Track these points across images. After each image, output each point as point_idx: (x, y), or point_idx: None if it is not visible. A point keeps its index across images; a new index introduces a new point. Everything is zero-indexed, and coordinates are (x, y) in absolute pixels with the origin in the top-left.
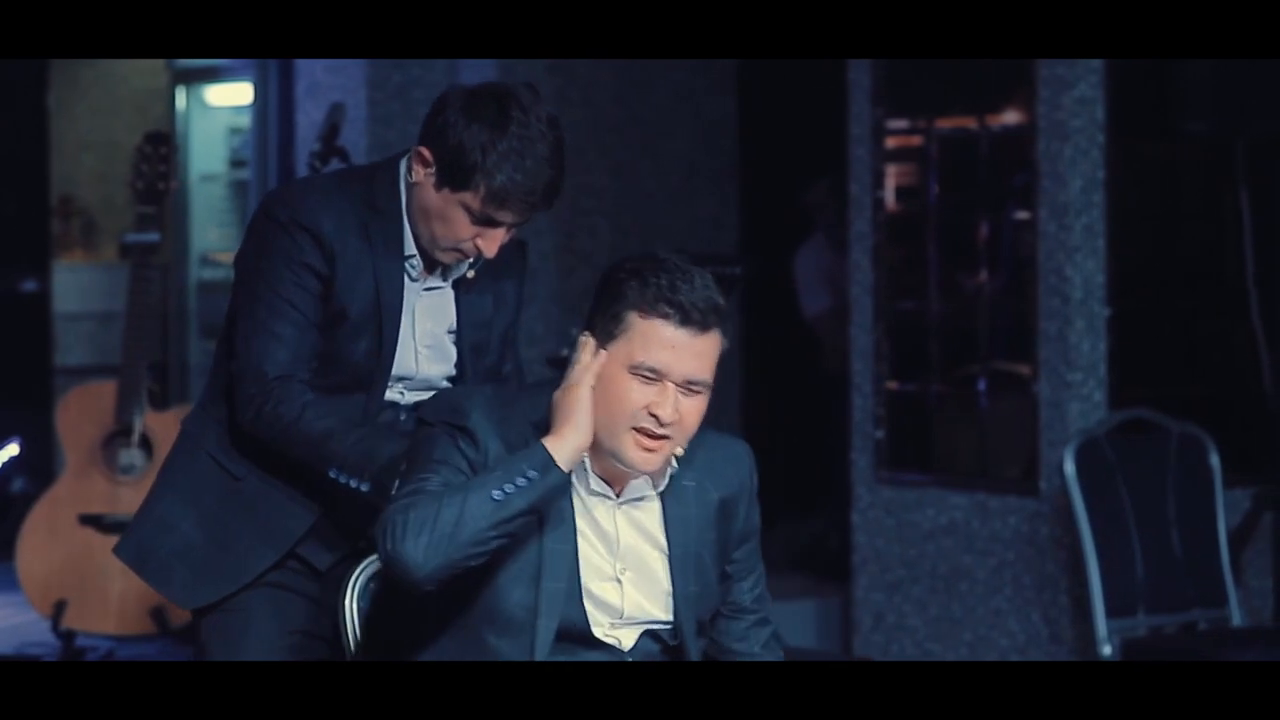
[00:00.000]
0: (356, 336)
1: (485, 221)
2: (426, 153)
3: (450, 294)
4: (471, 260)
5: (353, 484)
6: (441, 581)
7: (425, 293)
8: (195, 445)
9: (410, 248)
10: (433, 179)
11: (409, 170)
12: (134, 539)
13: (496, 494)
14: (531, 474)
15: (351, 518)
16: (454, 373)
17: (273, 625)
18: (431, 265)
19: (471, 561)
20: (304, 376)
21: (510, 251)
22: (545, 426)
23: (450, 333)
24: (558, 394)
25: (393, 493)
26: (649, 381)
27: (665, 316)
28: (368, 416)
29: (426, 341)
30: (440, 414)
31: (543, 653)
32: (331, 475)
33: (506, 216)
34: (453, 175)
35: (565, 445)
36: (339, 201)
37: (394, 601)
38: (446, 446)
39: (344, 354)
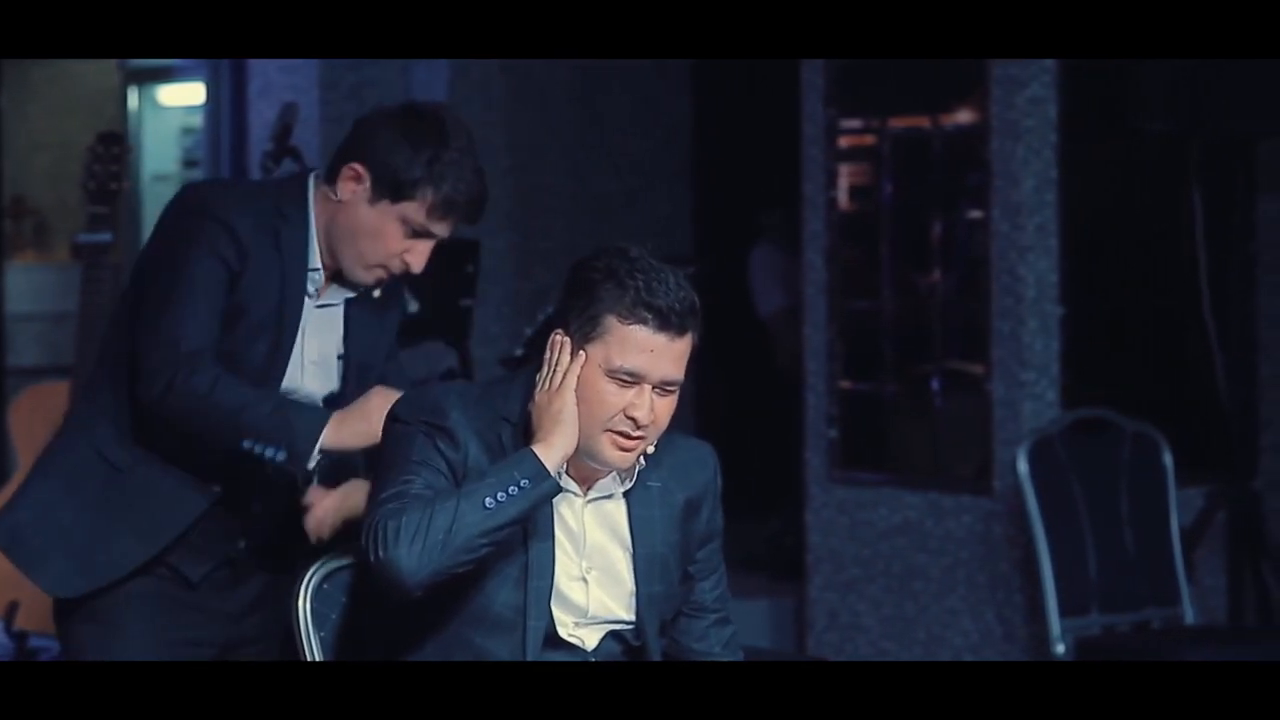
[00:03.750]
0: (253, 338)
1: (418, 234)
2: (360, 168)
3: (339, 315)
4: (384, 281)
5: (268, 454)
6: (429, 588)
7: (318, 310)
8: (78, 434)
9: (314, 261)
10: (365, 194)
11: (332, 189)
12: (9, 522)
13: (489, 502)
14: (524, 483)
15: (226, 523)
16: (336, 390)
17: (147, 632)
18: (335, 282)
19: (461, 568)
20: (212, 355)
21: (393, 285)
22: (516, 420)
23: (340, 356)
24: (540, 397)
25: (308, 472)
26: (626, 385)
27: (644, 322)
28: None
29: (313, 357)
30: (418, 413)
31: (534, 651)
32: (245, 447)
33: (443, 228)
34: (394, 187)
35: (555, 452)
36: (253, 204)
37: (370, 604)
38: (424, 447)
39: (240, 354)
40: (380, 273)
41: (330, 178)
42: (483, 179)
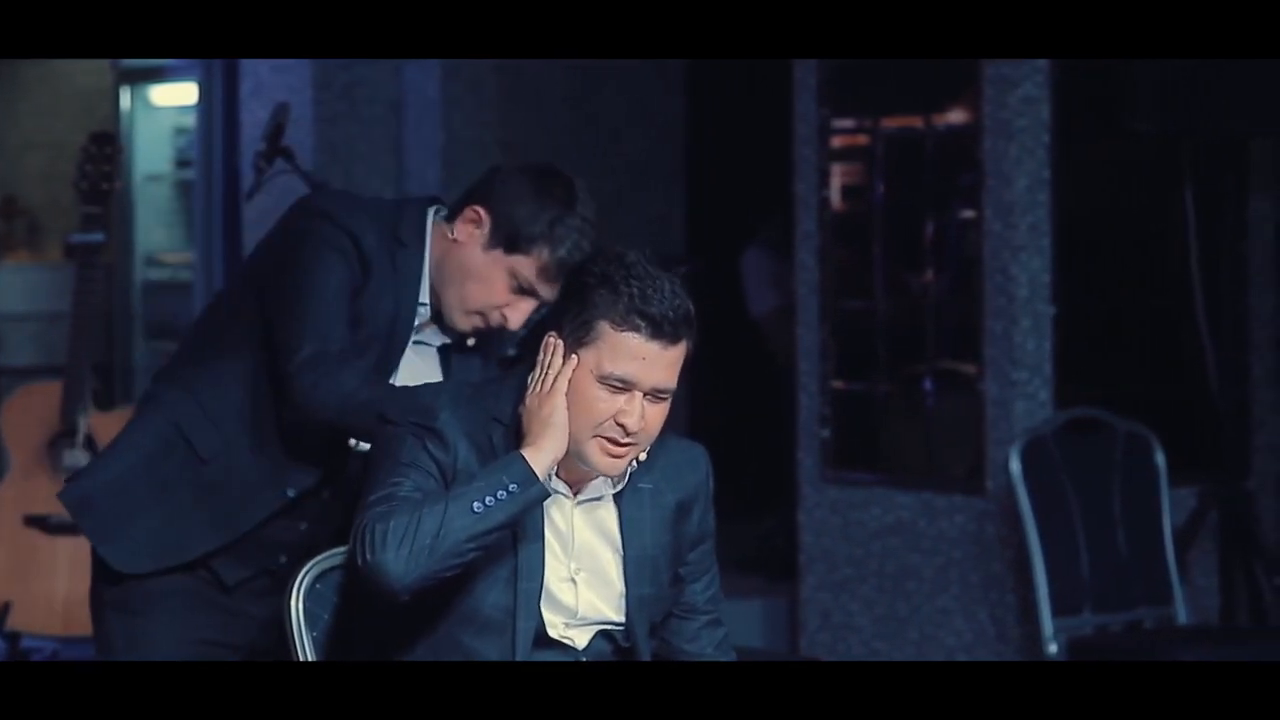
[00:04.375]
0: (363, 351)
1: (525, 291)
2: (482, 212)
3: (434, 355)
4: (480, 331)
5: None
6: (417, 591)
7: (414, 344)
8: (166, 415)
9: (424, 294)
10: (482, 239)
11: (450, 226)
12: (83, 488)
13: (477, 506)
14: (512, 487)
15: (273, 536)
16: None
17: (176, 629)
18: (435, 323)
19: (448, 572)
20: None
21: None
22: (508, 421)
23: None
24: (531, 400)
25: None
26: (617, 391)
27: (637, 329)
28: None
29: None
30: (407, 414)
31: (524, 652)
32: None
33: (549, 291)
34: (512, 239)
35: (544, 457)
36: (375, 222)
37: (360, 605)
38: (414, 448)
39: None
40: (478, 320)
41: (451, 216)
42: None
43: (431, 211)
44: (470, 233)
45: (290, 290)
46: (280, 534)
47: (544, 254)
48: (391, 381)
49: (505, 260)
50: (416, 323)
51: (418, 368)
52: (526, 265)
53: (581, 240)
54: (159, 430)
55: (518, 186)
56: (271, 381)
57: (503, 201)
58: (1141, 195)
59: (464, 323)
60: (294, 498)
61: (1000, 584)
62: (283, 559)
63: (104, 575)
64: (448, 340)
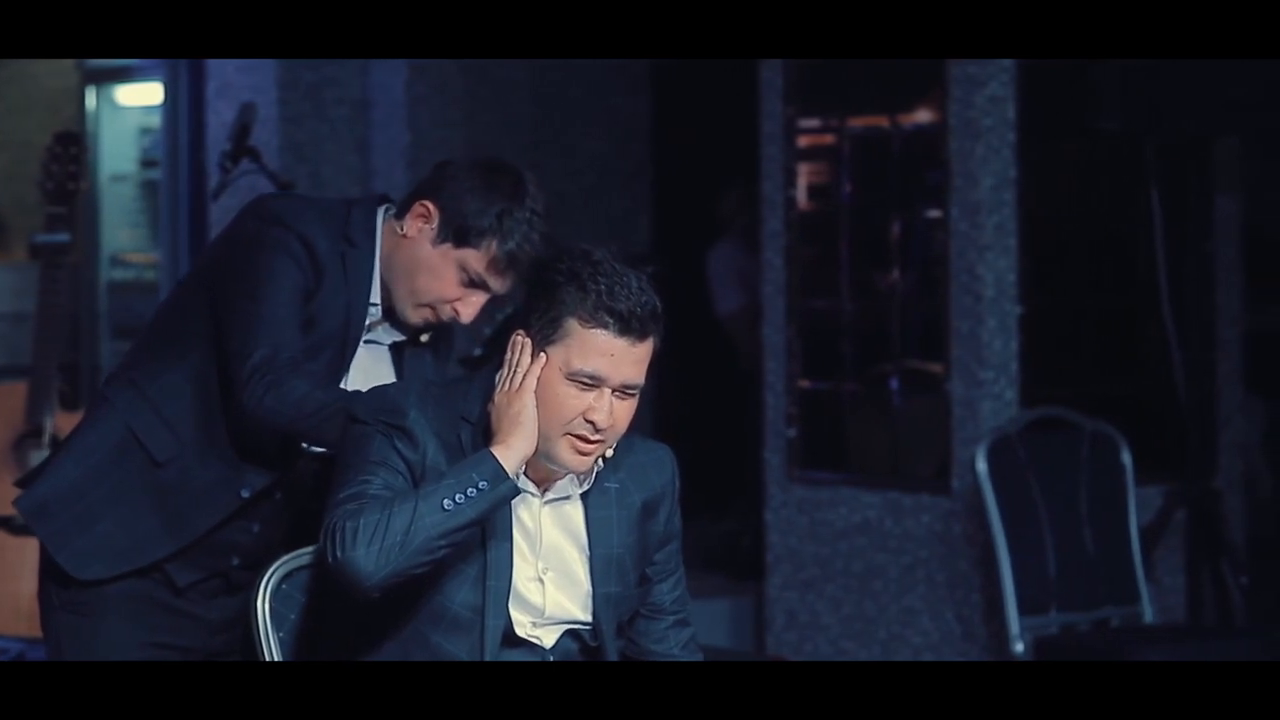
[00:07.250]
0: (314, 357)
1: (475, 284)
2: (431, 207)
3: (385, 354)
4: (431, 324)
5: None
6: (387, 589)
7: (364, 344)
8: (119, 417)
9: (375, 295)
10: (431, 234)
11: (400, 224)
12: (39, 495)
13: (447, 503)
14: (482, 484)
15: (225, 539)
16: None
17: (126, 631)
18: (387, 320)
19: (419, 570)
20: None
21: (444, 329)
22: (476, 420)
23: None
24: (500, 398)
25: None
26: (586, 388)
27: (605, 326)
28: None
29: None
30: (376, 412)
31: (492, 651)
32: None
33: (499, 284)
34: (461, 232)
35: (513, 454)
36: (327, 225)
37: (329, 604)
38: (383, 446)
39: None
40: (428, 314)
41: (400, 212)
42: (548, 244)
43: (381, 211)
44: (420, 228)
45: (242, 296)
46: (233, 536)
47: (492, 247)
48: (342, 384)
49: (455, 254)
50: (367, 322)
51: (369, 367)
52: (475, 258)
53: (531, 233)
54: (112, 433)
55: (466, 180)
56: (222, 385)
57: (451, 196)
58: (1107, 195)
59: (415, 316)
60: (249, 499)
61: (966, 583)
62: (235, 561)
63: (55, 577)
64: (399, 338)
